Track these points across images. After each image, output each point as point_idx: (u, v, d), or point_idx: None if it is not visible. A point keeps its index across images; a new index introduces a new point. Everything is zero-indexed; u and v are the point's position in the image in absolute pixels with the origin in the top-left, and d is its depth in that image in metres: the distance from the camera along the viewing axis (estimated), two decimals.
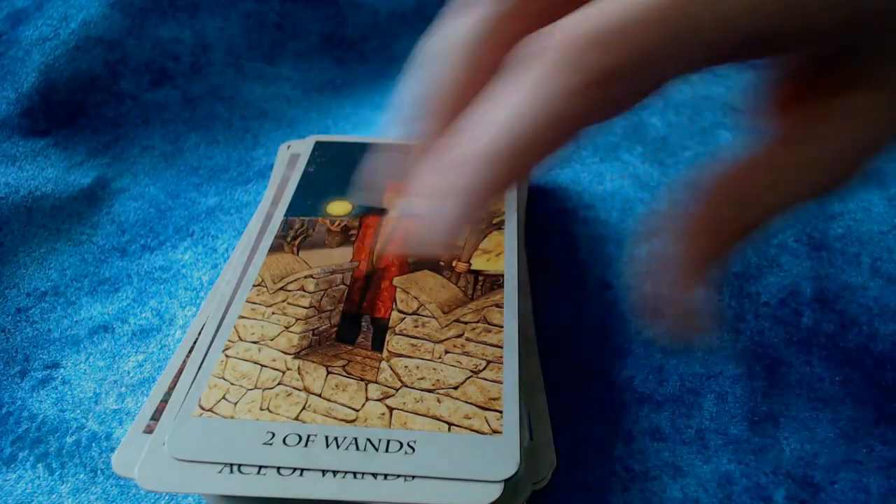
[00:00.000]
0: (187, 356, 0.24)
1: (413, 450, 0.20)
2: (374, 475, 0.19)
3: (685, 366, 0.28)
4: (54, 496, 0.24)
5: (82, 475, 0.25)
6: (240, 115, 0.44)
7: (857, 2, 0.15)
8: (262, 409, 0.21)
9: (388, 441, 0.20)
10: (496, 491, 0.19)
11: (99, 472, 0.25)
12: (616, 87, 0.15)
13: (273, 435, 0.20)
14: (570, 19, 0.15)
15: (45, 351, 0.30)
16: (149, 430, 0.21)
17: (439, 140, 0.18)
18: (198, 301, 0.31)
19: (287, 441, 0.20)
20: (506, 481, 0.19)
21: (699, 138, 0.42)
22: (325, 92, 0.47)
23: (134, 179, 0.39)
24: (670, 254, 0.18)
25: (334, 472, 0.19)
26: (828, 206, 0.36)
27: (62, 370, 0.29)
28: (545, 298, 0.31)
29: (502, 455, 0.20)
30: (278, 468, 0.19)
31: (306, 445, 0.20)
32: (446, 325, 0.24)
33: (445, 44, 0.19)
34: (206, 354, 0.23)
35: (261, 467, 0.20)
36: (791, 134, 0.18)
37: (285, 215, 0.30)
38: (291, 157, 0.35)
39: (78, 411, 0.27)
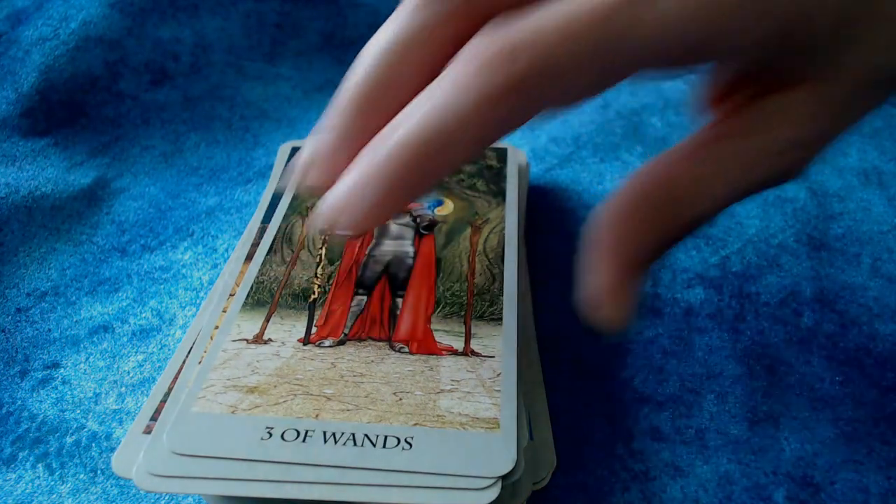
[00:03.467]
0: (187, 356, 0.24)
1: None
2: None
3: (685, 366, 0.28)
4: (54, 496, 0.24)
5: (82, 475, 0.25)
6: (240, 115, 0.44)
7: (785, 13, 0.15)
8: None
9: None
10: (495, 489, 0.19)
11: (99, 472, 0.25)
12: (532, 94, 0.15)
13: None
14: (503, 26, 0.15)
15: (45, 351, 0.30)
16: (148, 431, 0.21)
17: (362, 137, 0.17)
18: (198, 301, 0.31)
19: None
20: (504, 479, 0.19)
21: None
22: (325, 92, 0.47)
23: (134, 179, 0.39)
24: (603, 249, 0.18)
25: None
26: (828, 206, 0.36)
27: (62, 370, 0.29)
28: (545, 298, 0.31)
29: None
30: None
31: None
32: None
33: (378, 47, 0.19)
34: (205, 353, 0.23)
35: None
36: (730, 127, 0.18)
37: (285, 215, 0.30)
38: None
39: (78, 411, 0.27)
